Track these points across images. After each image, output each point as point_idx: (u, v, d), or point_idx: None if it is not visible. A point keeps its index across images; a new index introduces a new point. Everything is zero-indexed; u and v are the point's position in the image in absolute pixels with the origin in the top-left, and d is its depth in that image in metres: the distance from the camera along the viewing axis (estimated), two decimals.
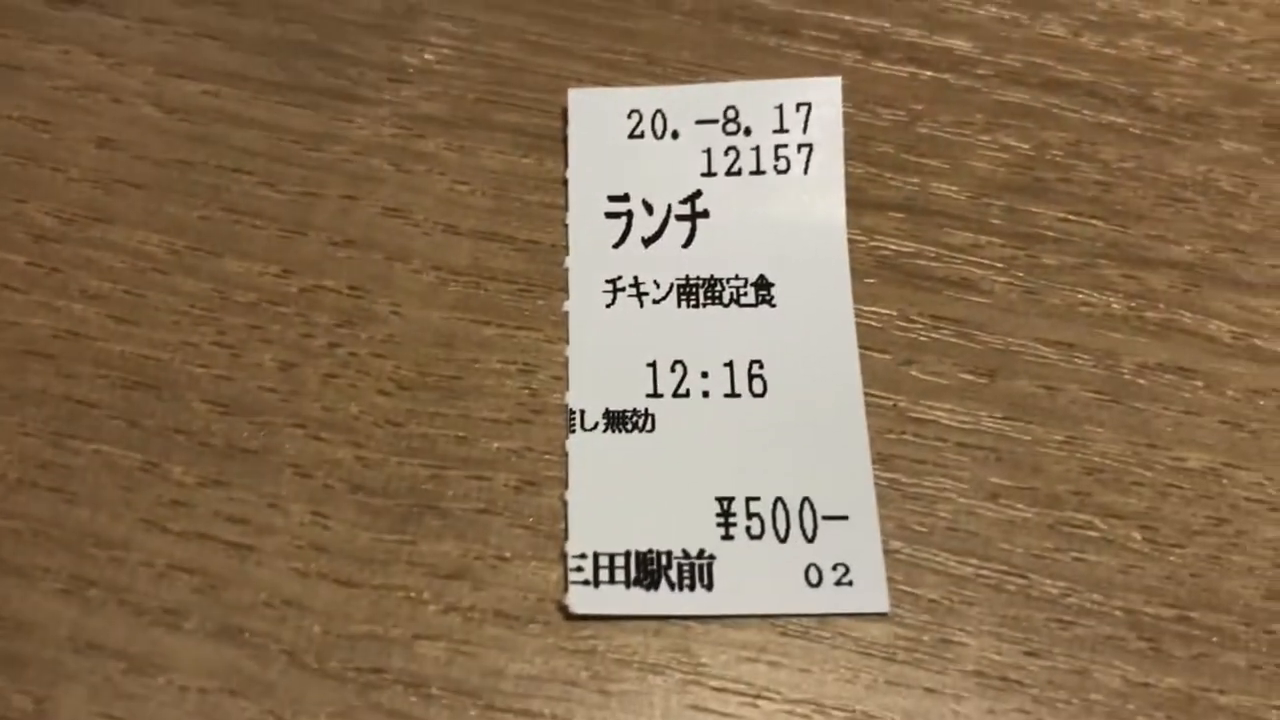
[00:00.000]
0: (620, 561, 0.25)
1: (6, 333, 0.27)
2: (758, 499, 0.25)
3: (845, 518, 0.25)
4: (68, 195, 0.28)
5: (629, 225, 0.28)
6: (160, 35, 0.30)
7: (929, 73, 0.30)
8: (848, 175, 0.28)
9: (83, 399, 0.26)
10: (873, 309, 0.27)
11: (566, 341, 0.27)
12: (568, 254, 0.28)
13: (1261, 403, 0.27)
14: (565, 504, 0.25)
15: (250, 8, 0.30)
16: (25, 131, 0.29)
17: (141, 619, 0.24)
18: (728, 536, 0.25)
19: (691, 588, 0.25)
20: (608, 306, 0.27)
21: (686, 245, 0.28)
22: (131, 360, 0.27)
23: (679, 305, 0.27)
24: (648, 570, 0.25)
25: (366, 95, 0.29)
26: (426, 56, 0.30)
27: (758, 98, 0.28)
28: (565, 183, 0.28)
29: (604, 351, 0.27)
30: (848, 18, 0.30)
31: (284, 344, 0.27)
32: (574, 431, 0.26)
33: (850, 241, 0.28)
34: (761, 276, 0.27)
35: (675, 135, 0.28)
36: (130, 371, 0.26)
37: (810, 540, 0.25)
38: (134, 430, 0.26)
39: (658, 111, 0.29)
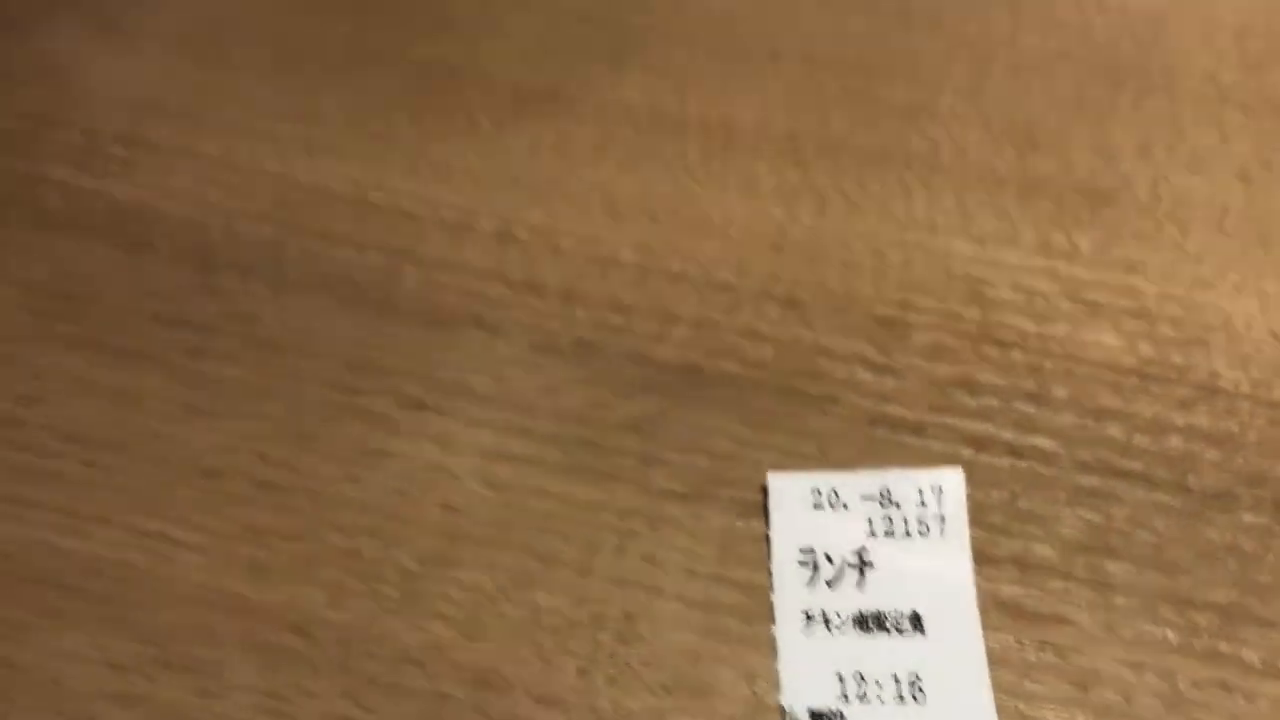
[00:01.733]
0: None
1: None
2: None
3: None
4: None
5: (815, 571, 0.39)
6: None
7: (1024, 463, 0.41)
8: (972, 538, 0.39)
9: None
10: (996, 634, 0.38)
11: (776, 657, 0.38)
12: (773, 591, 0.39)
13: None
14: None
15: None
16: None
17: None
18: None
19: None
20: (803, 631, 0.38)
21: (858, 587, 0.39)
22: None
23: (856, 632, 0.38)
24: None
25: (625, 474, 0.41)
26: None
27: (903, 482, 0.40)
28: (768, 539, 0.40)
29: (804, 665, 0.37)
30: (963, 423, 0.42)
31: (576, 654, 0.38)
32: None
33: (977, 587, 0.38)
34: (914, 612, 0.38)
35: (845, 507, 0.40)
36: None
37: None
38: None
39: (832, 489, 0.40)
